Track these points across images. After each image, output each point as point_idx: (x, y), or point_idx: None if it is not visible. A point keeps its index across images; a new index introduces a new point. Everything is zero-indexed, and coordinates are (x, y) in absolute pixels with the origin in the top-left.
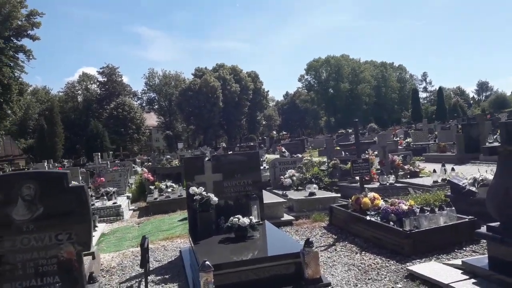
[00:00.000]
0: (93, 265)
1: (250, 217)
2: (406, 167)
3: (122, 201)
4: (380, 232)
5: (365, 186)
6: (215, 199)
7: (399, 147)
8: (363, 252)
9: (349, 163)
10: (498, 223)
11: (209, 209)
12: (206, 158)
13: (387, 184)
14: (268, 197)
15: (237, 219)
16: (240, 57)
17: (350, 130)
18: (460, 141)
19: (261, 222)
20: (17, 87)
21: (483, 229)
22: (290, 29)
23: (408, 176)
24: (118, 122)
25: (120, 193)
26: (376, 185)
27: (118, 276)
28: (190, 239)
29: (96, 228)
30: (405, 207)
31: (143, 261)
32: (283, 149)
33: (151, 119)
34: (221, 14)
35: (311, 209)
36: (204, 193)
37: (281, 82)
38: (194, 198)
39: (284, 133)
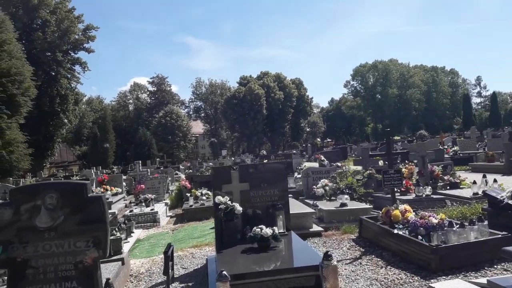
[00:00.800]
0: (121, 271)
1: (274, 227)
2: (445, 177)
3: (160, 208)
4: (407, 246)
5: (400, 197)
6: (239, 208)
7: (446, 155)
8: (388, 267)
9: None
10: None
11: (233, 219)
12: (234, 168)
13: (423, 195)
14: (298, 207)
15: (259, 230)
16: (285, 64)
17: (397, 138)
18: (509, 150)
19: (286, 233)
20: (73, 97)
21: None
22: (336, 34)
23: (448, 187)
24: (166, 130)
25: (159, 199)
26: (411, 196)
27: (145, 282)
28: (215, 247)
29: (132, 234)
30: (435, 221)
31: (166, 268)
32: (322, 158)
33: (198, 127)
34: (267, 21)
35: (341, 220)
36: (229, 202)
37: (326, 89)
38: (219, 207)
39: (328, 140)
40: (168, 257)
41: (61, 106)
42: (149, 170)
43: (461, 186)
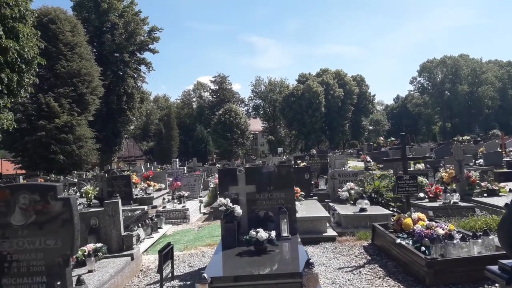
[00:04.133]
0: (128, 266)
1: (271, 231)
2: (483, 184)
3: (192, 205)
4: (408, 257)
5: (426, 204)
6: (239, 211)
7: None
8: (386, 278)
9: (419, 177)
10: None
11: (233, 221)
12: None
13: (451, 202)
14: (315, 211)
15: (255, 233)
16: (348, 61)
17: (468, 137)
18: None
19: (290, 237)
20: (139, 95)
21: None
22: (403, 30)
23: (485, 195)
24: (225, 127)
25: (194, 197)
26: (438, 203)
27: (150, 278)
28: (216, 249)
29: (159, 230)
30: (441, 232)
31: (160, 267)
32: (368, 158)
33: (257, 125)
34: (331, 18)
35: (359, 226)
36: (230, 204)
37: (391, 85)
38: (220, 209)
39: (392, 139)
40: (162, 256)
41: (127, 104)
42: (185, 167)
43: (500, 194)
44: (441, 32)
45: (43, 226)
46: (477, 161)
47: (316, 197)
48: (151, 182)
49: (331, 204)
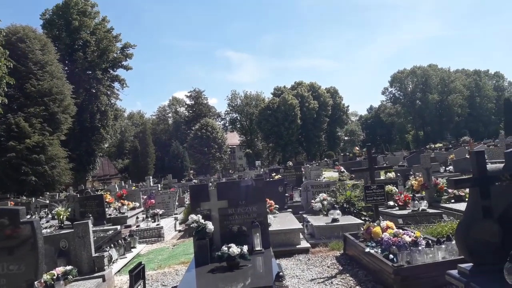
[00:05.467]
0: (99, 287)
1: (243, 246)
2: (450, 190)
3: (167, 223)
4: (377, 266)
5: (395, 212)
6: (211, 227)
7: None
8: (356, 287)
9: (388, 186)
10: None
11: (205, 237)
12: (210, 185)
13: (419, 210)
14: (288, 223)
15: (227, 248)
16: (323, 74)
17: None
18: None
19: (263, 251)
20: (113, 113)
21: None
22: (374, 43)
23: (452, 201)
24: (202, 142)
25: (169, 214)
26: (407, 211)
27: None
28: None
29: (132, 250)
30: (408, 239)
31: (131, 287)
32: (342, 169)
33: (234, 138)
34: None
35: (332, 236)
36: (202, 221)
37: (365, 96)
38: (191, 226)
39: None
40: (133, 276)
41: (101, 121)
42: (159, 185)
43: (466, 200)
44: (410, 44)
45: (6, 251)
46: (447, 168)
47: (290, 210)
48: (125, 201)
49: (304, 215)
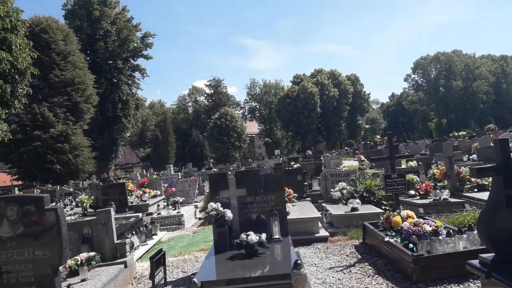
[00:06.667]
0: (121, 273)
1: (262, 234)
2: (473, 179)
3: (187, 210)
4: (397, 255)
5: (416, 201)
6: (229, 215)
7: None
8: (376, 276)
9: (409, 175)
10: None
11: (224, 225)
12: (229, 174)
13: (440, 199)
14: (307, 212)
15: (245, 236)
16: (343, 60)
17: (464, 133)
18: None
19: (281, 239)
20: (134, 102)
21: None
22: (396, 27)
23: (475, 190)
24: (221, 131)
25: (189, 202)
26: (428, 200)
27: (143, 284)
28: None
29: (154, 237)
30: (428, 228)
31: (152, 273)
32: (362, 157)
33: (253, 127)
34: (324, 17)
35: (351, 225)
36: (220, 209)
37: (386, 84)
38: (210, 213)
39: None
40: (153, 263)
41: (122, 111)
42: (179, 173)
43: (490, 189)
44: (432, 29)
45: (31, 237)
46: (470, 157)
47: (309, 198)
48: (147, 189)
49: (323, 204)
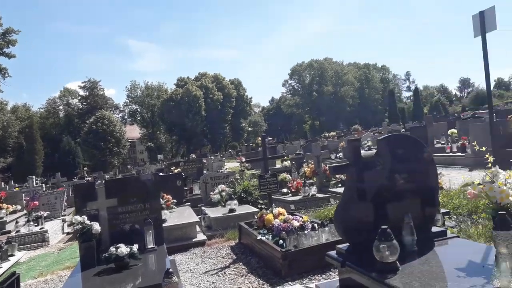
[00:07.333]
0: None
1: (134, 245)
2: (337, 176)
3: (54, 226)
4: (269, 252)
5: (288, 198)
6: (97, 228)
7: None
8: (249, 275)
9: (282, 174)
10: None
11: (91, 239)
12: (98, 182)
13: (309, 195)
14: (185, 217)
15: (114, 249)
16: (227, 65)
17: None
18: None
19: (155, 248)
20: None
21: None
22: (277, 35)
23: (340, 185)
24: (98, 136)
25: (56, 216)
26: (299, 197)
27: None
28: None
29: (10, 258)
30: (296, 224)
31: None
32: (243, 159)
33: (134, 132)
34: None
35: (229, 227)
36: (87, 222)
37: (267, 88)
38: (75, 228)
39: (269, 139)
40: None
41: None
42: (43, 185)
43: None
44: (309, 38)
45: None
46: (337, 155)
47: (189, 203)
48: (4, 204)
49: (203, 208)
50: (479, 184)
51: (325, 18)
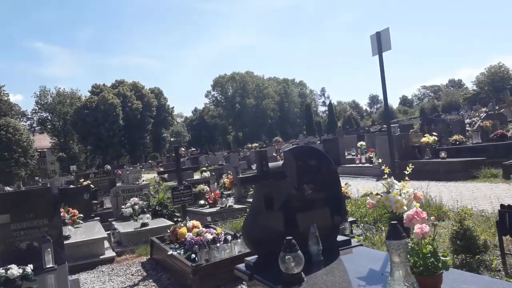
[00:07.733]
0: None
1: (28, 265)
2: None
3: None
4: (180, 267)
5: (205, 210)
6: None
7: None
8: None
9: (200, 185)
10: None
11: None
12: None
13: (227, 206)
14: (92, 233)
15: (4, 271)
16: (147, 74)
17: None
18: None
19: (55, 267)
20: None
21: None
22: (199, 46)
23: None
24: (1, 145)
25: None
26: (216, 208)
27: None
28: None
29: None
30: (210, 236)
31: None
32: (161, 170)
33: (44, 141)
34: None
35: (141, 242)
36: None
37: (190, 98)
38: None
39: (193, 149)
40: None
41: None
42: None
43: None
44: (231, 50)
45: None
46: None
47: (98, 218)
48: None
49: (113, 222)
50: (377, 194)
51: (247, 32)
